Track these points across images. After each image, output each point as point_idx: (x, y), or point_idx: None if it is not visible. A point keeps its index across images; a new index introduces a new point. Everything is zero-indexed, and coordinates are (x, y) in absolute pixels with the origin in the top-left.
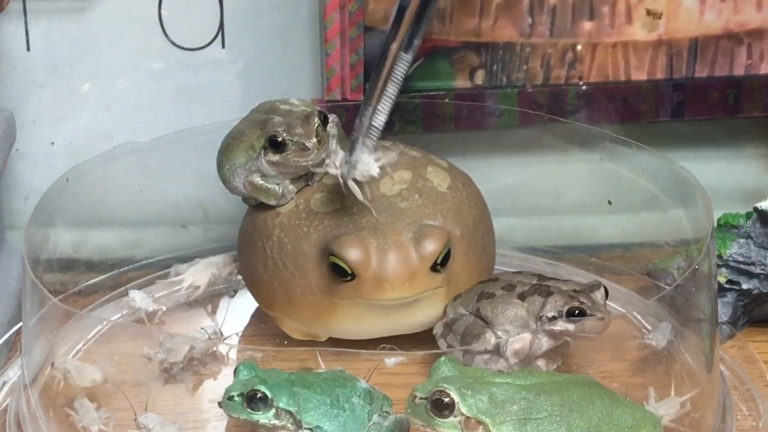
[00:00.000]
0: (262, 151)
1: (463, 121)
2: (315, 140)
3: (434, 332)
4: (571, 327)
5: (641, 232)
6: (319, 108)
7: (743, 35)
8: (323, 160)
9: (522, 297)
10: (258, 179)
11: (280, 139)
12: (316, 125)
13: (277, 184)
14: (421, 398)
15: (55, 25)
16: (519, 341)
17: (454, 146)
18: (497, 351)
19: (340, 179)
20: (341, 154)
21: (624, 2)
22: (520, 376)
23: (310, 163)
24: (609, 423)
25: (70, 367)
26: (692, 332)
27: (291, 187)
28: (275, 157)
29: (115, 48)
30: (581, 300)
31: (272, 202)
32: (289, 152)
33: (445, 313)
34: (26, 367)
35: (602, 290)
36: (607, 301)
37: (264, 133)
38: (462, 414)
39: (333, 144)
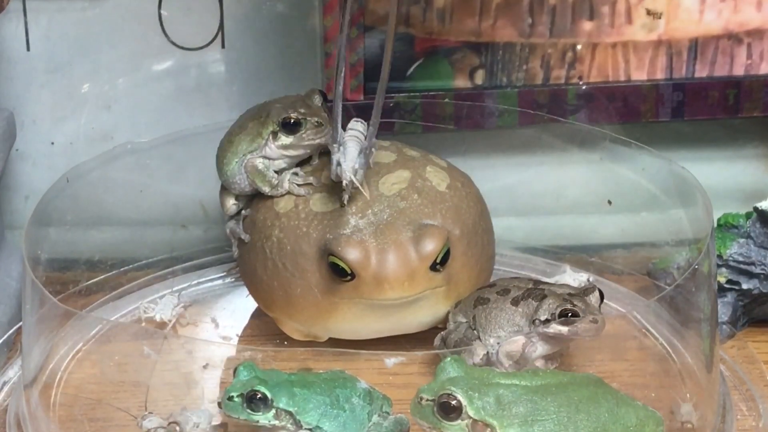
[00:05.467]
0: (271, 137)
1: (463, 121)
2: (325, 115)
3: (434, 345)
4: (564, 329)
5: (641, 232)
6: (316, 89)
7: (743, 35)
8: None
9: (516, 301)
10: (260, 162)
11: (293, 120)
12: (321, 102)
13: (276, 172)
14: (427, 400)
15: (55, 25)
16: (512, 343)
17: (454, 146)
18: (488, 361)
19: (353, 180)
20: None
21: (624, 2)
22: (525, 377)
23: (323, 140)
24: (615, 422)
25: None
26: (692, 332)
27: (286, 184)
28: (288, 140)
29: (115, 48)
30: (574, 303)
31: (266, 189)
32: (303, 132)
33: (447, 321)
34: (26, 367)
35: (597, 293)
36: (607, 302)
37: (269, 120)
38: (469, 417)
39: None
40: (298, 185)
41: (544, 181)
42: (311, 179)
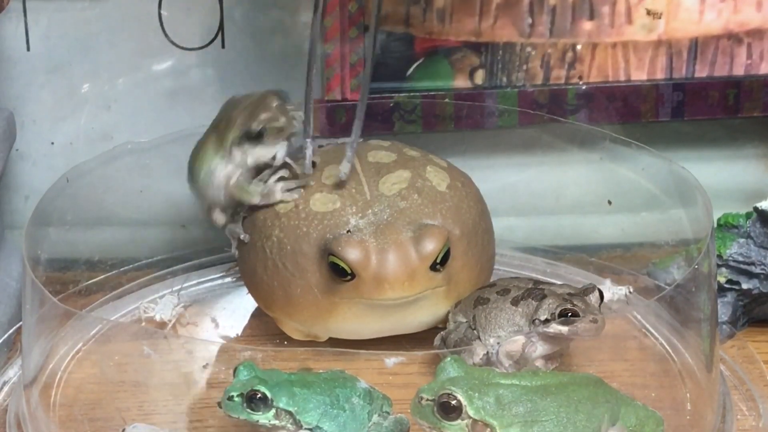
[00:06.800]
0: (235, 147)
1: (463, 121)
2: (283, 118)
3: (434, 345)
4: (563, 329)
5: (641, 232)
6: (272, 90)
7: (743, 35)
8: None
9: (516, 301)
10: (235, 185)
11: (255, 132)
12: (276, 104)
13: (265, 185)
14: (427, 400)
15: (55, 25)
16: (512, 343)
17: (454, 146)
18: (488, 361)
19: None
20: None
21: (624, 2)
22: (525, 377)
23: (284, 139)
24: (615, 422)
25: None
26: (692, 332)
27: (278, 195)
28: (253, 148)
29: (115, 48)
30: (574, 302)
31: (255, 199)
32: (266, 139)
33: (447, 321)
34: (26, 367)
35: (597, 293)
36: (607, 301)
37: (228, 130)
38: (469, 417)
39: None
40: (290, 189)
41: (544, 181)
42: (304, 181)
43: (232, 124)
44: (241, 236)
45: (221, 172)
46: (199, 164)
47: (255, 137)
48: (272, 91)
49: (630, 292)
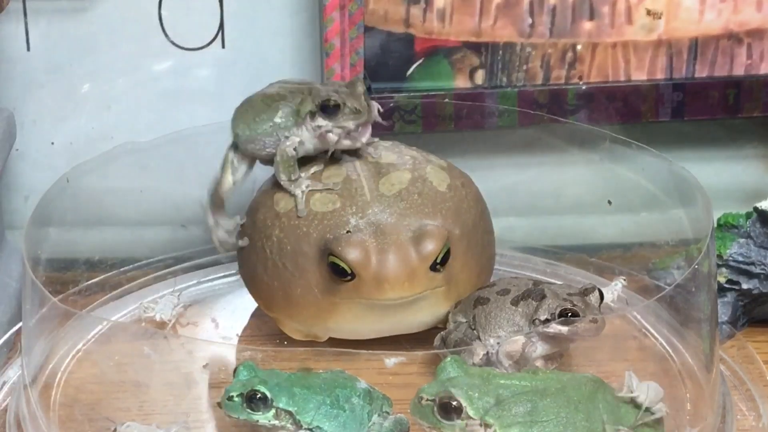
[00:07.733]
0: (309, 117)
1: (463, 121)
2: (365, 103)
3: (434, 345)
4: (564, 329)
5: (641, 232)
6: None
7: (743, 35)
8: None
9: (516, 301)
10: (292, 151)
11: (332, 103)
12: (363, 90)
13: (300, 176)
14: (427, 400)
15: (55, 25)
16: (512, 343)
17: (454, 146)
18: (488, 361)
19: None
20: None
21: (624, 2)
22: (525, 377)
23: (354, 125)
24: (615, 423)
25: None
26: (692, 332)
27: (300, 190)
28: (324, 122)
29: (115, 48)
30: (574, 302)
31: (283, 177)
32: (341, 116)
33: (447, 321)
34: (26, 367)
35: (597, 293)
36: (607, 302)
37: (310, 99)
38: (469, 417)
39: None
40: (317, 189)
41: (544, 181)
42: (330, 184)
43: (314, 96)
44: (240, 243)
45: (286, 149)
46: (268, 117)
47: (332, 111)
48: (360, 78)
49: (624, 282)
